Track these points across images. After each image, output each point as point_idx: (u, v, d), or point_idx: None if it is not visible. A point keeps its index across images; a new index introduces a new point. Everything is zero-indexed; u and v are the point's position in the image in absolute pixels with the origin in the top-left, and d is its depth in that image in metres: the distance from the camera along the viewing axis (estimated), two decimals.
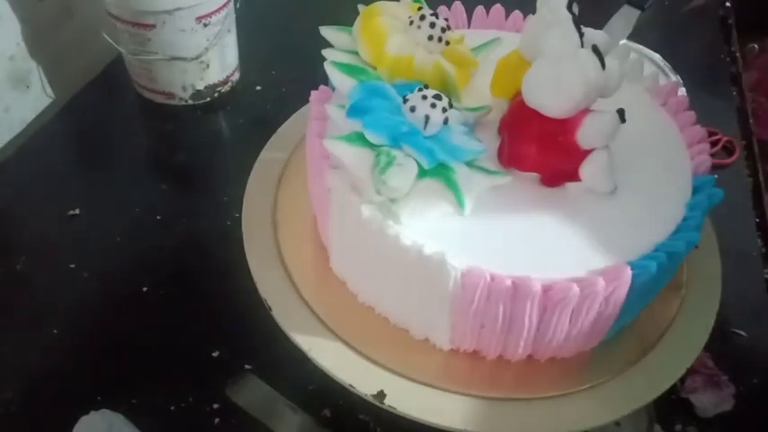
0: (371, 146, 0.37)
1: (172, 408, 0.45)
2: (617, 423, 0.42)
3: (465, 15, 0.49)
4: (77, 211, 0.57)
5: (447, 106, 0.37)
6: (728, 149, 0.67)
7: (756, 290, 0.55)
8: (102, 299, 0.51)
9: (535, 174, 0.39)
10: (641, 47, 0.70)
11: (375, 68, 0.42)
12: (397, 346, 0.40)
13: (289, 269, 0.43)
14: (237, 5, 0.67)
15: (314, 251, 0.44)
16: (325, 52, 0.43)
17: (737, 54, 0.81)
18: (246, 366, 0.47)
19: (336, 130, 0.39)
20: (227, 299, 0.50)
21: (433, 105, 0.36)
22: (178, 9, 0.60)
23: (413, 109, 0.36)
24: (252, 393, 0.45)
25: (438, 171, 0.36)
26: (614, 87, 0.37)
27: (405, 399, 0.37)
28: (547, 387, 0.38)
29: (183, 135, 0.66)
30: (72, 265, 0.53)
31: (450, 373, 0.39)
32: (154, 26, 0.61)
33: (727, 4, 0.84)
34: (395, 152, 0.36)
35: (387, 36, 0.41)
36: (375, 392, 0.37)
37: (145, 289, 0.51)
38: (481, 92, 0.42)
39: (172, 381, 0.46)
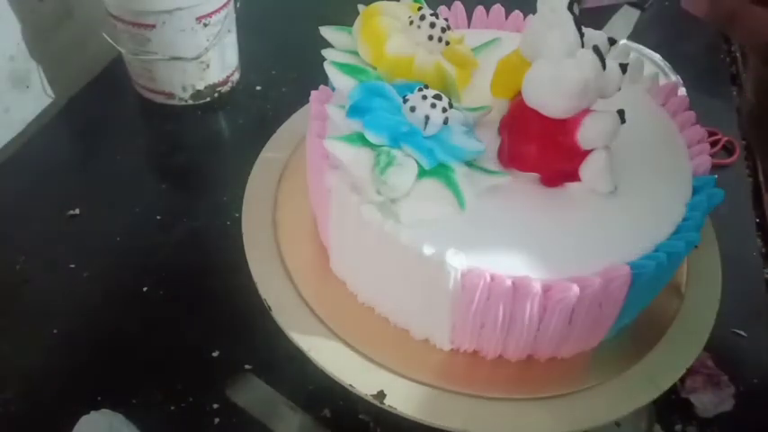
0: (371, 146, 0.37)
1: (172, 408, 0.45)
2: (617, 423, 0.42)
3: (465, 15, 0.49)
4: (77, 211, 0.57)
5: (447, 106, 0.37)
6: (728, 149, 0.67)
7: (756, 290, 0.55)
8: (102, 299, 0.51)
9: (535, 174, 0.39)
10: (641, 47, 0.70)
11: (375, 68, 0.41)
12: (397, 346, 0.40)
13: (289, 269, 0.43)
14: (237, 5, 0.67)
15: (314, 251, 0.44)
16: (325, 52, 0.43)
17: (737, 54, 0.81)
18: (246, 366, 0.47)
19: (336, 130, 0.39)
20: (227, 299, 0.50)
21: (433, 105, 0.36)
22: (178, 9, 0.60)
23: (413, 109, 0.36)
24: (252, 393, 0.45)
25: (438, 171, 0.36)
26: (614, 88, 0.37)
27: (405, 399, 0.37)
28: (547, 387, 0.38)
29: (183, 135, 0.66)
30: (72, 265, 0.53)
31: (450, 373, 0.39)
32: (154, 26, 0.61)
33: None
34: (395, 152, 0.36)
35: (387, 36, 0.41)
36: (375, 392, 0.37)
37: (145, 289, 0.51)
38: (481, 92, 0.42)
39: (172, 381, 0.46)
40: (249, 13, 0.70)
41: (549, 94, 0.36)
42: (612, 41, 0.39)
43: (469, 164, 0.37)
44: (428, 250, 0.35)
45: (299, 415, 0.44)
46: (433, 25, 0.41)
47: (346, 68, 0.41)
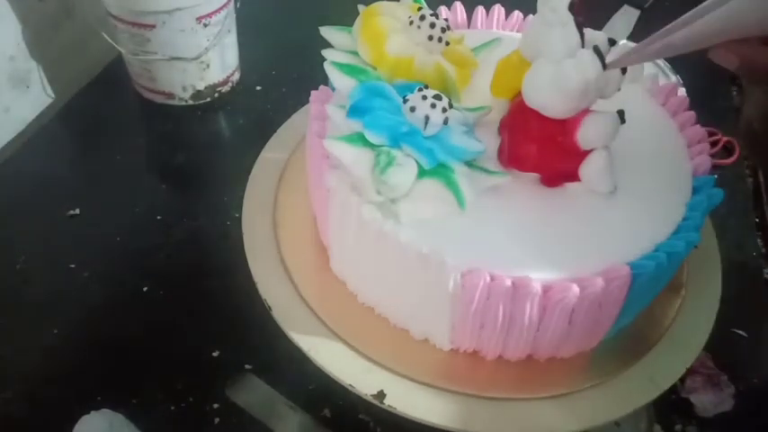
0: (371, 146, 0.37)
1: (172, 408, 0.45)
2: (617, 423, 0.42)
3: (465, 15, 0.49)
4: (77, 211, 0.57)
5: (447, 106, 0.37)
6: (728, 149, 0.67)
7: (756, 290, 0.55)
8: (102, 299, 0.51)
9: (535, 174, 0.39)
10: None
11: (375, 69, 0.42)
12: (397, 346, 0.40)
13: (289, 269, 0.43)
14: (237, 5, 0.67)
15: (314, 251, 0.44)
16: (325, 52, 0.43)
17: None
18: (246, 366, 0.47)
19: (336, 131, 0.39)
20: (227, 299, 0.50)
21: (433, 105, 0.36)
22: (178, 9, 0.60)
23: (413, 109, 0.36)
24: (252, 393, 0.45)
25: (438, 171, 0.36)
26: (614, 88, 0.37)
27: (405, 399, 0.37)
28: (547, 387, 0.39)
29: (183, 135, 0.66)
30: (72, 265, 0.53)
31: (450, 373, 0.39)
32: (154, 26, 0.61)
33: None
34: (395, 152, 0.36)
35: (387, 36, 0.41)
36: (375, 392, 0.37)
37: (145, 289, 0.51)
38: (481, 92, 0.42)
39: (172, 381, 0.46)
40: (249, 14, 0.69)
41: (549, 94, 0.36)
42: (612, 42, 0.39)
43: (469, 164, 0.38)
44: (428, 250, 0.35)
45: (298, 415, 0.44)
46: (432, 25, 0.41)
47: (346, 69, 0.41)
